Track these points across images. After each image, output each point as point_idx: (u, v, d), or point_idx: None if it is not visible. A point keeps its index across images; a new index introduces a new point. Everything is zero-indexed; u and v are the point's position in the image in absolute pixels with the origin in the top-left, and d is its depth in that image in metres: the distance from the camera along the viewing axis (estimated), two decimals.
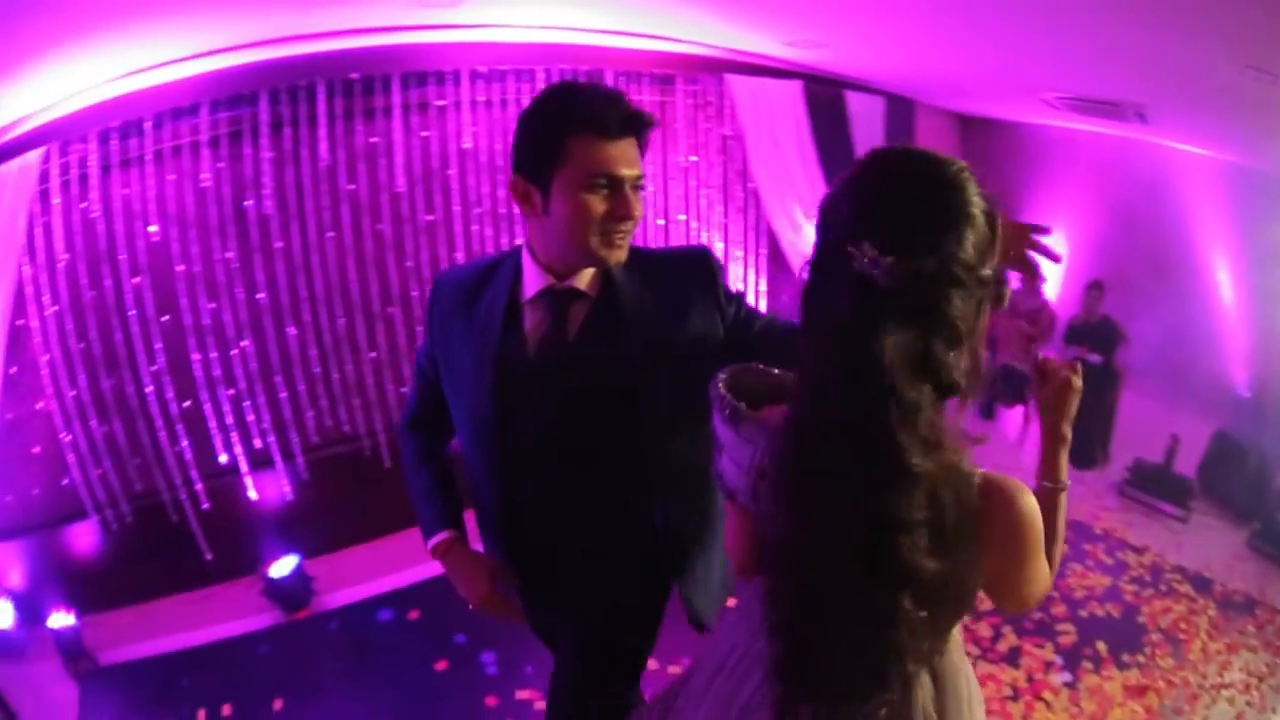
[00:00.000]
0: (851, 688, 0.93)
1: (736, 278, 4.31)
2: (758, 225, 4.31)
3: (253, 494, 3.53)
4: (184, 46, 2.67)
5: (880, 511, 0.87)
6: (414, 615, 3.18)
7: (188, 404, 3.35)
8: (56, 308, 3.12)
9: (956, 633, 1.06)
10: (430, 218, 3.60)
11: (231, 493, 3.50)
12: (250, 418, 3.45)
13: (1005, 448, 3.93)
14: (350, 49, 3.00)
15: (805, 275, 0.95)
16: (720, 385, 1.07)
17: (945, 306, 0.86)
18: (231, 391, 3.39)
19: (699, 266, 1.39)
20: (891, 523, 0.86)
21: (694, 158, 4.06)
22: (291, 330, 3.44)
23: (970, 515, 0.89)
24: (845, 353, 0.87)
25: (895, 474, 0.86)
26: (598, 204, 1.22)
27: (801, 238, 4.19)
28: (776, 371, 1.09)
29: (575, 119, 1.21)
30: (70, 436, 3.21)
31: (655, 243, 3.92)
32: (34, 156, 2.86)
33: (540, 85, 3.49)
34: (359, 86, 3.30)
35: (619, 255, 1.28)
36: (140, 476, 3.34)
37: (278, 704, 2.77)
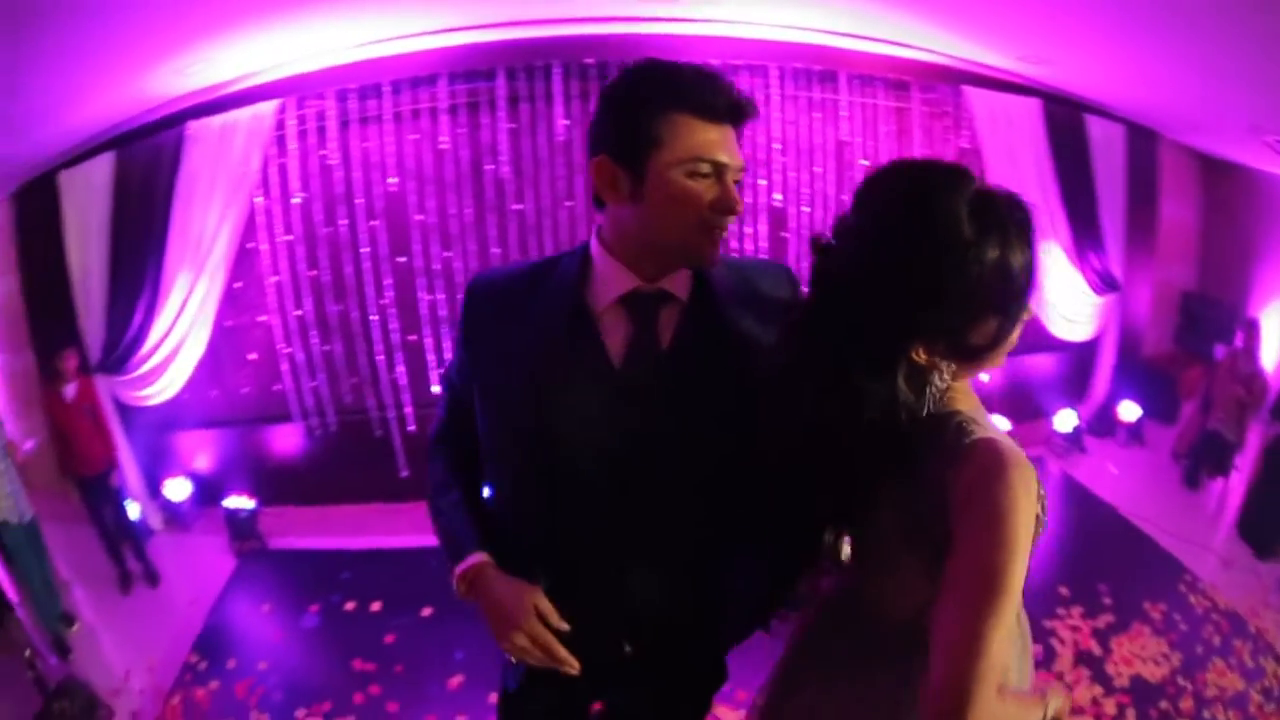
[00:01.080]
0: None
1: None
2: None
3: None
4: (425, 23, 2.84)
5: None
6: None
7: (412, 337, 3.69)
8: (290, 237, 3.54)
9: None
10: None
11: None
12: None
13: (1203, 518, 3.59)
14: (586, 35, 3.11)
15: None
16: None
17: (861, 305, 0.94)
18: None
19: (785, 282, 1.25)
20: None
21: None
22: None
23: (951, 462, 0.92)
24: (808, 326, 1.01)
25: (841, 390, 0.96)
26: (700, 191, 1.07)
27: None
28: None
29: (678, 97, 1.07)
30: (290, 349, 3.64)
31: None
32: (267, 107, 3.28)
33: (773, 82, 3.50)
34: (594, 70, 3.43)
35: (717, 253, 1.13)
36: (351, 393, 3.74)
37: (425, 611, 2.99)
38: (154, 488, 3.89)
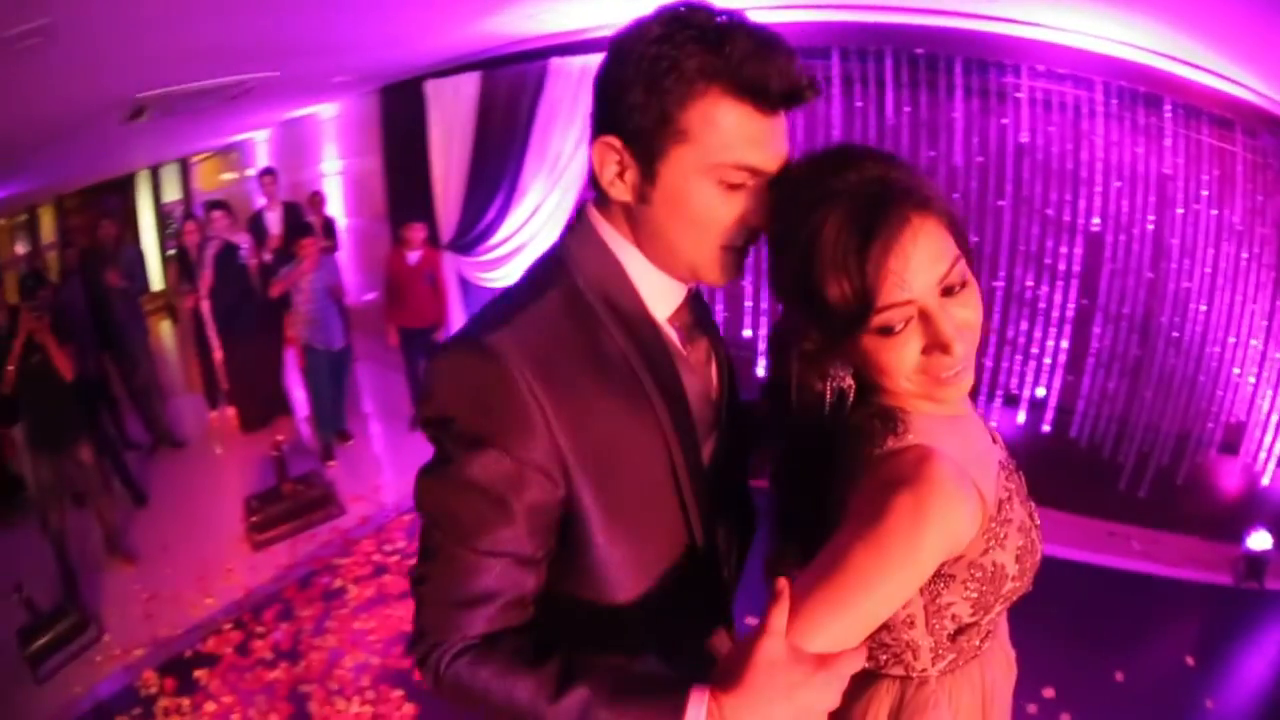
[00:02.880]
0: None
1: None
2: None
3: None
4: None
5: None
6: None
7: None
8: None
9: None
10: (1001, 203, 3.59)
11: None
12: None
13: None
14: (919, 25, 3.16)
15: None
16: None
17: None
18: None
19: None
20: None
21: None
22: None
23: (862, 462, 0.84)
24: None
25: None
26: (729, 206, 0.83)
27: None
28: None
29: (723, 71, 0.78)
30: None
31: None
32: (595, 59, 3.64)
33: (1098, 97, 3.30)
34: (924, 61, 3.45)
35: (733, 278, 0.90)
36: None
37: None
38: None
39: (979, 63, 3.39)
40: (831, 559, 0.77)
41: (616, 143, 0.83)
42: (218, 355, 5.13)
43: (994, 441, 0.94)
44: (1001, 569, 0.86)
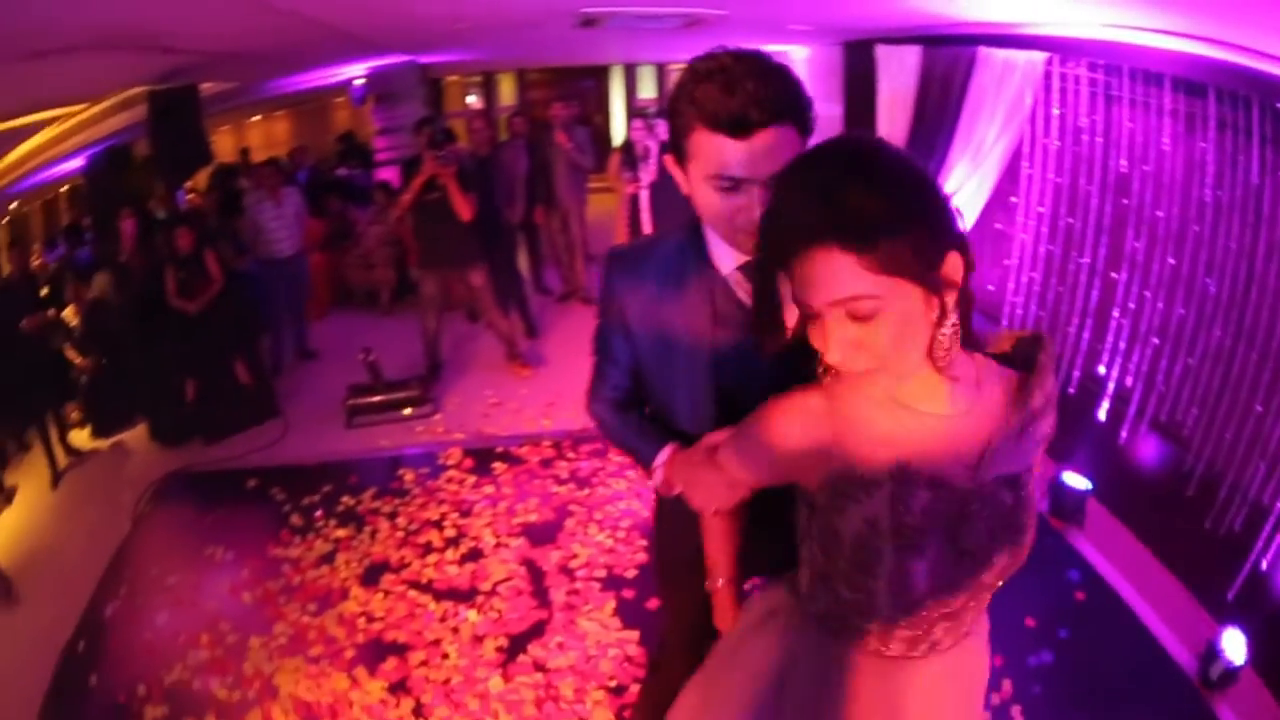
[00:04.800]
0: None
1: None
2: None
3: None
4: (1160, 21, 2.73)
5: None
6: None
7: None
8: (1057, 179, 3.88)
9: None
10: None
11: None
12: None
13: None
14: None
15: None
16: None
17: None
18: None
19: None
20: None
21: None
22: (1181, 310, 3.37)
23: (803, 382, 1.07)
24: None
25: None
26: (725, 200, 1.14)
27: None
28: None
29: (698, 111, 1.10)
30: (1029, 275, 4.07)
31: None
32: (1039, 56, 3.62)
33: None
34: None
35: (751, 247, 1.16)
36: None
37: None
38: None
39: None
40: (742, 423, 1.13)
41: (673, 160, 1.22)
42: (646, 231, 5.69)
43: (981, 457, 1.00)
44: (836, 538, 1.03)
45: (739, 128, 1.07)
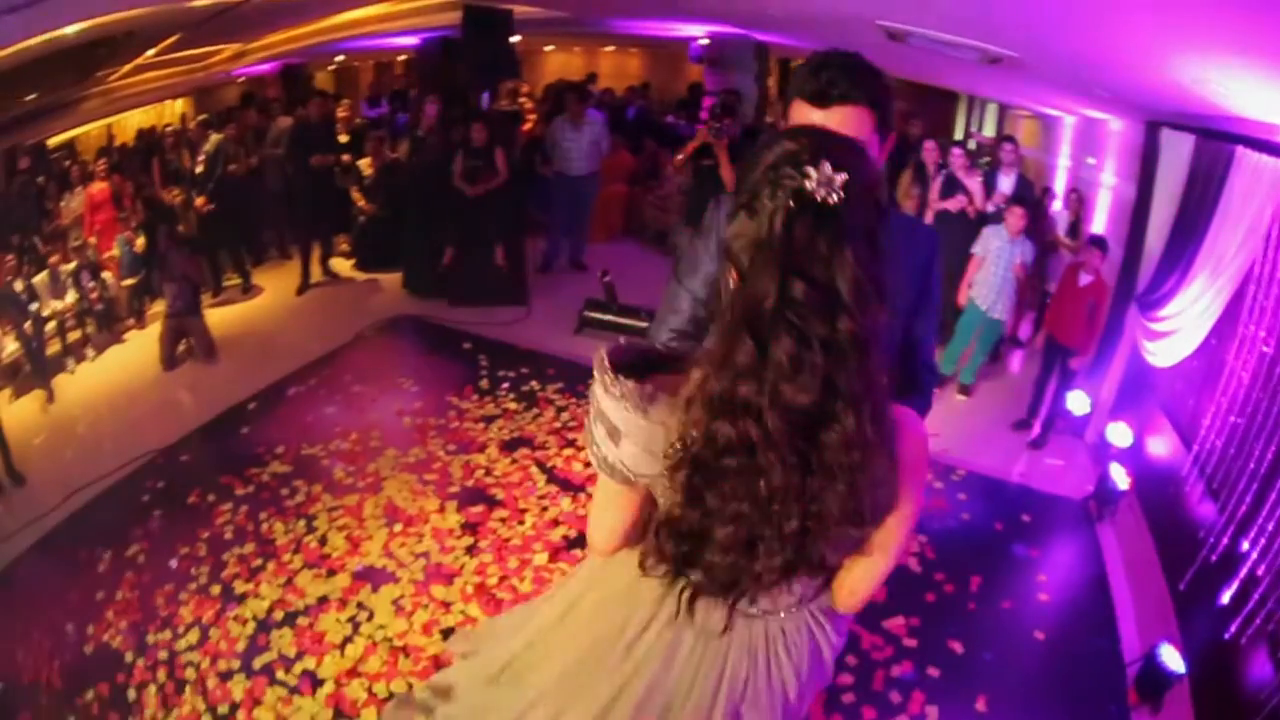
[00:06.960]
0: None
1: None
2: None
3: None
4: None
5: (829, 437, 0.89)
6: None
7: None
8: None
9: None
10: None
11: None
12: None
13: None
14: None
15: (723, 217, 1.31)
16: (610, 369, 1.00)
17: (879, 225, 0.87)
18: None
19: None
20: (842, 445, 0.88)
21: None
22: None
23: (889, 433, 0.93)
24: (791, 282, 0.82)
25: (842, 401, 0.86)
26: None
27: None
28: (658, 346, 1.17)
29: (794, 84, 1.37)
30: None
31: None
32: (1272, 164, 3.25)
33: None
34: None
35: None
36: None
37: None
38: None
39: None
40: (905, 498, 1.06)
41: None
42: None
43: None
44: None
45: (819, 98, 1.34)
